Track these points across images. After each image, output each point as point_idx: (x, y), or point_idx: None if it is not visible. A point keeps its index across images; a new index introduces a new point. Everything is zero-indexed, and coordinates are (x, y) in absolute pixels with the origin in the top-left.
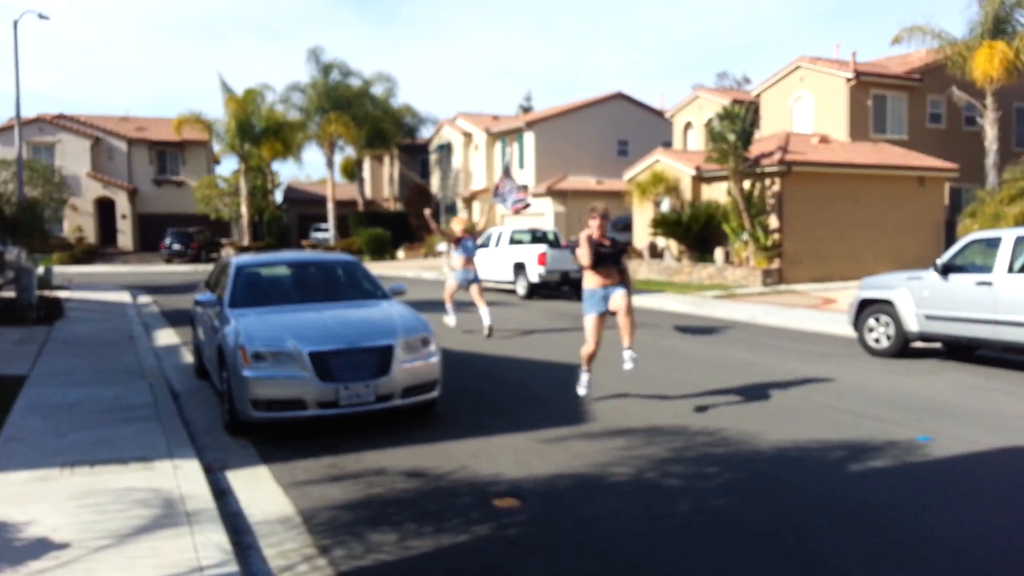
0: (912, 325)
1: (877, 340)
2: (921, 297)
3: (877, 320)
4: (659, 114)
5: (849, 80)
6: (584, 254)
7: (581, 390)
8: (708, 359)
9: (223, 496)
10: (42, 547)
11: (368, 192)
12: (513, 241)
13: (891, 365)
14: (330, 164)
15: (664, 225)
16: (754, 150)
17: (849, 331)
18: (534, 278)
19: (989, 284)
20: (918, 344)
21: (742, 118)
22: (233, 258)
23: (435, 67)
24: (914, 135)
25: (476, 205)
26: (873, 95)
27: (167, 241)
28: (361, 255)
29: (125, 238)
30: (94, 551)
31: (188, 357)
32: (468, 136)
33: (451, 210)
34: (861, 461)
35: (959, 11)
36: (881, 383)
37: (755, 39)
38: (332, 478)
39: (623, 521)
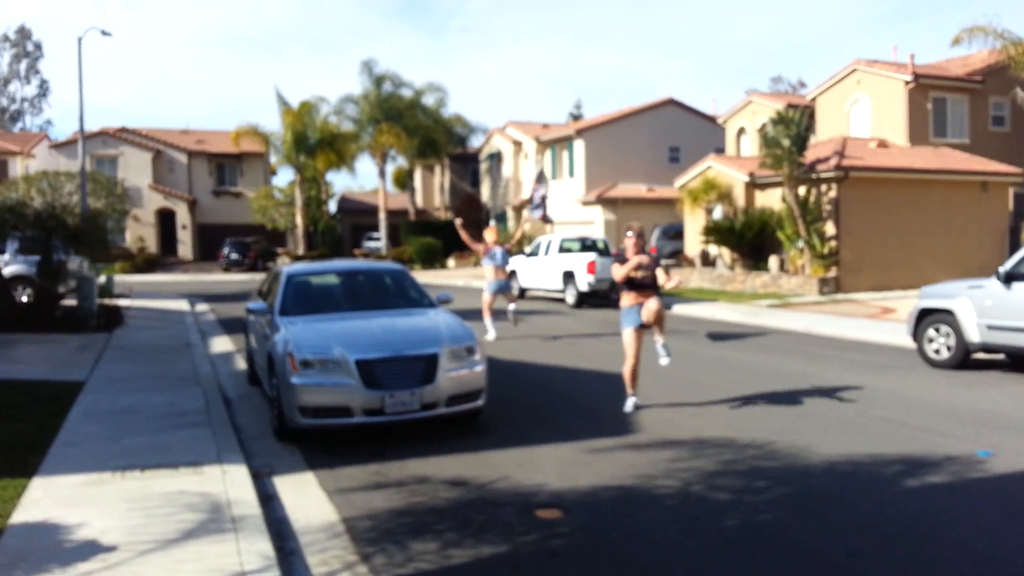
0: (973, 335)
1: (937, 351)
2: (983, 306)
3: (937, 330)
4: (711, 120)
5: (908, 83)
6: (619, 271)
7: (628, 408)
8: (761, 370)
9: (269, 502)
10: (91, 549)
11: (419, 201)
12: (563, 249)
13: (951, 377)
14: (382, 174)
15: (716, 233)
16: (809, 155)
17: (908, 342)
18: (583, 287)
19: None
20: (980, 355)
21: (796, 123)
22: (284, 267)
23: (486, 77)
24: (976, 139)
25: (526, 213)
26: (933, 98)
27: (225, 251)
28: (412, 264)
29: (185, 248)
30: (140, 554)
31: (242, 364)
32: (518, 145)
33: (500, 219)
34: (917, 476)
35: None
36: (940, 396)
37: (811, 43)
38: (376, 485)
39: (667, 535)
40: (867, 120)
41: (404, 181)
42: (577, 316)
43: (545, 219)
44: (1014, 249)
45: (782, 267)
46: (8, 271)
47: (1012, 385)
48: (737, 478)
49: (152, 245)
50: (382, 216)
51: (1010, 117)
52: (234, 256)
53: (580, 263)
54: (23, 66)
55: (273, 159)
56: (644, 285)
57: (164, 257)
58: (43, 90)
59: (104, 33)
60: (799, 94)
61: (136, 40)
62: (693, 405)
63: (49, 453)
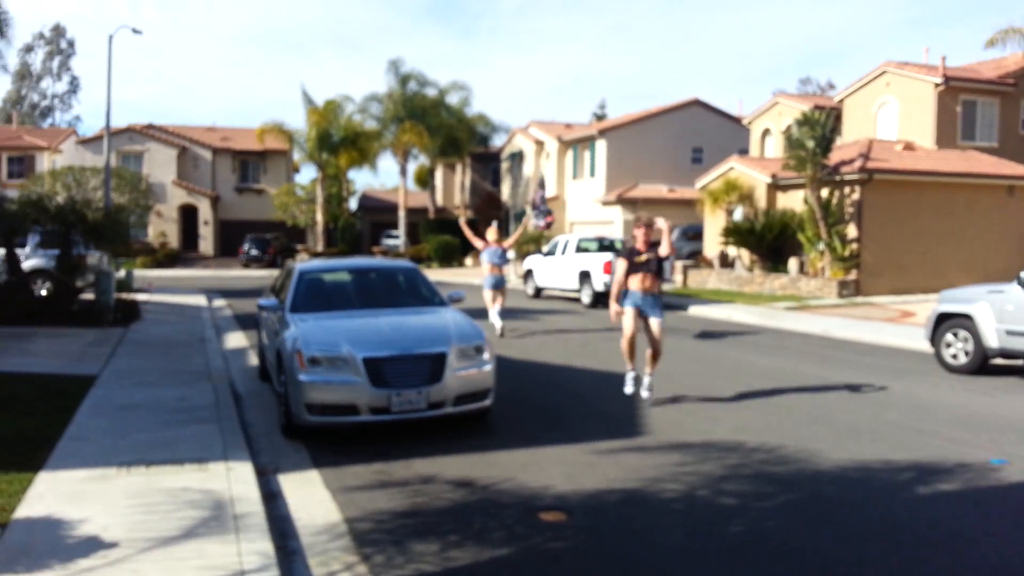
0: (992, 341)
1: (955, 356)
2: (1003, 311)
3: (955, 335)
4: (736, 121)
5: (938, 85)
6: (614, 282)
7: (628, 388)
8: (775, 373)
9: (273, 499)
10: (92, 545)
11: (439, 200)
12: (579, 249)
13: (968, 383)
14: (403, 172)
15: (736, 234)
16: (834, 157)
17: (926, 346)
18: (599, 287)
19: None
20: (998, 361)
21: (821, 124)
22: (297, 264)
23: (511, 76)
24: (1005, 142)
25: (526, 217)
26: (963, 100)
27: (245, 247)
28: (430, 261)
29: (206, 243)
30: (141, 551)
31: (255, 360)
32: (540, 144)
33: (519, 218)
34: (929, 483)
35: None
36: (956, 401)
37: (841, 45)
38: (380, 484)
39: (671, 539)
40: (894, 122)
41: (426, 179)
42: (592, 316)
43: (548, 226)
44: None
45: (801, 269)
46: (28, 265)
47: None
48: (745, 483)
49: (174, 240)
50: (401, 214)
51: None
52: (254, 252)
53: (597, 263)
54: (55, 63)
55: (296, 156)
56: (649, 268)
57: (185, 252)
58: (73, 86)
59: (135, 31)
60: (827, 96)
61: (168, 39)
62: (704, 408)
63: (56, 447)
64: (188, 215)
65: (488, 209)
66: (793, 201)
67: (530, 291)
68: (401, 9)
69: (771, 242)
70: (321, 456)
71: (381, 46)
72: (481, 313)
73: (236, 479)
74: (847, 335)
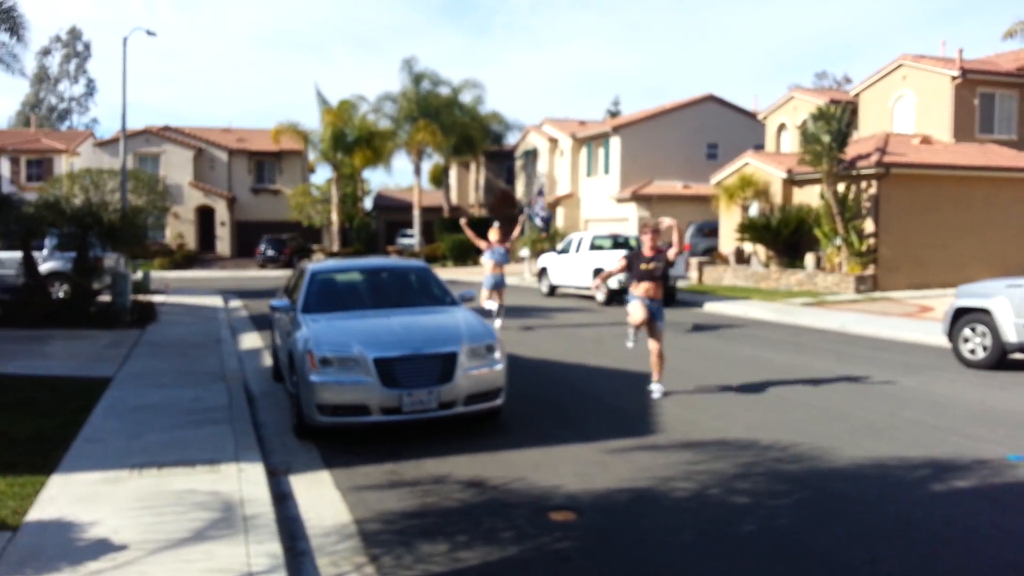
0: (1011, 335)
1: (972, 351)
2: (1022, 306)
3: (973, 330)
4: (752, 116)
5: (955, 78)
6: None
7: (629, 344)
8: (790, 369)
9: (283, 500)
10: (102, 548)
11: (454, 198)
12: (594, 247)
13: (986, 378)
14: (417, 171)
15: (751, 230)
16: (851, 151)
17: (944, 341)
18: (613, 284)
19: None
20: (1017, 356)
21: (837, 118)
22: (309, 265)
23: (525, 74)
24: None
25: (560, 211)
26: (980, 93)
27: (262, 247)
28: (444, 260)
29: (223, 244)
30: (150, 553)
31: (269, 360)
32: (554, 142)
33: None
34: (944, 481)
35: None
36: (973, 397)
37: (858, 39)
38: (391, 484)
39: (682, 539)
40: (911, 116)
41: (440, 178)
42: (606, 314)
43: (546, 229)
44: None
45: (818, 265)
46: (45, 268)
47: None
48: (758, 481)
49: (191, 241)
50: (416, 213)
51: None
52: (270, 253)
53: (611, 261)
54: (72, 66)
55: (311, 157)
56: (654, 276)
57: (202, 253)
58: (90, 89)
59: (149, 33)
60: (843, 90)
61: (184, 40)
62: (718, 405)
63: (70, 449)
64: (205, 216)
65: (502, 207)
66: (809, 196)
67: (544, 289)
68: (415, 8)
69: (787, 238)
70: (333, 456)
71: (395, 45)
72: (488, 313)
73: (247, 480)
74: (864, 331)
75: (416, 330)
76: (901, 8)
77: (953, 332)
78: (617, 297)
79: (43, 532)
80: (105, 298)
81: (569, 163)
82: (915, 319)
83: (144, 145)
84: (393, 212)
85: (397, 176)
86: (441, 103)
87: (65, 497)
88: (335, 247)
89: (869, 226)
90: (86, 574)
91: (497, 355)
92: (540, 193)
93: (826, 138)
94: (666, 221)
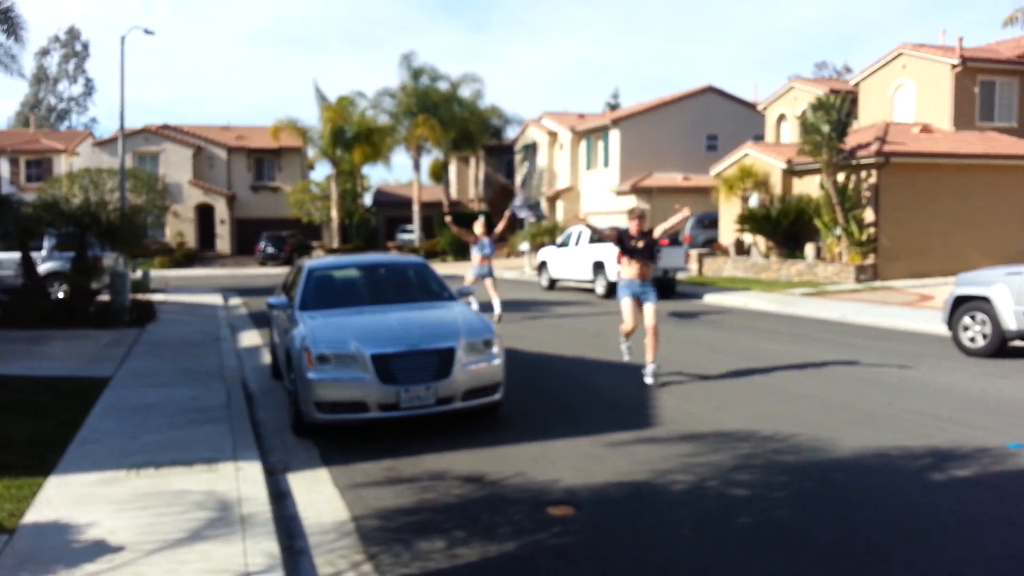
0: (1011, 323)
1: (972, 339)
2: (1022, 293)
3: (973, 318)
4: (751, 107)
5: (955, 66)
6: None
7: (625, 356)
8: (789, 360)
9: (282, 499)
10: (98, 549)
11: (454, 193)
12: (593, 240)
13: (986, 366)
14: (416, 167)
15: (751, 221)
16: (850, 141)
17: (944, 330)
18: (613, 277)
19: None
20: (1017, 343)
21: (837, 108)
22: (306, 262)
23: (524, 68)
24: None
25: (560, 204)
26: (980, 81)
27: (262, 245)
28: (445, 255)
29: (223, 242)
30: (147, 554)
31: (268, 358)
32: (553, 135)
33: (534, 209)
34: (945, 470)
35: None
36: (974, 385)
37: (857, 29)
38: (389, 481)
39: (680, 532)
40: (911, 105)
41: (440, 173)
42: (606, 306)
43: (537, 217)
44: None
45: (818, 255)
46: (44, 268)
47: None
48: (757, 473)
49: (191, 240)
50: (415, 208)
51: None
52: (270, 250)
53: (610, 253)
54: (71, 65)
55: (311, 154)
56: (642, 254)
57: (202, 251)
58: (89, 88)
59: (147, 32)
60: (843, 80)
61: (182, 38)
62: (717, 397)
63: (68, 450)
64: (205, 214)
65: (503, 201)
66: (809, 186)
67: (544, 283)
68: (412, 3)
69: (787, 228)
70: (331, 454)
71: (393, 41)
72: (488, 307)
73: (245, 479)
74: (864, 320)
75: (413, 326)
76: None
77: (953, 320)
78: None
79: (40, 534)
80: (104, 298)
81: (569, 156)
82: (915, 308)
83: (143, 144)
84: (393, 208)
85: (397, 172)
86: (440, 98)
87: (62, 499)
88: (335, 244)
89: (869, 215)
90: None
91: (495, 350)
92: (523, 185)
93: (826, 128)
94: (685, 211)
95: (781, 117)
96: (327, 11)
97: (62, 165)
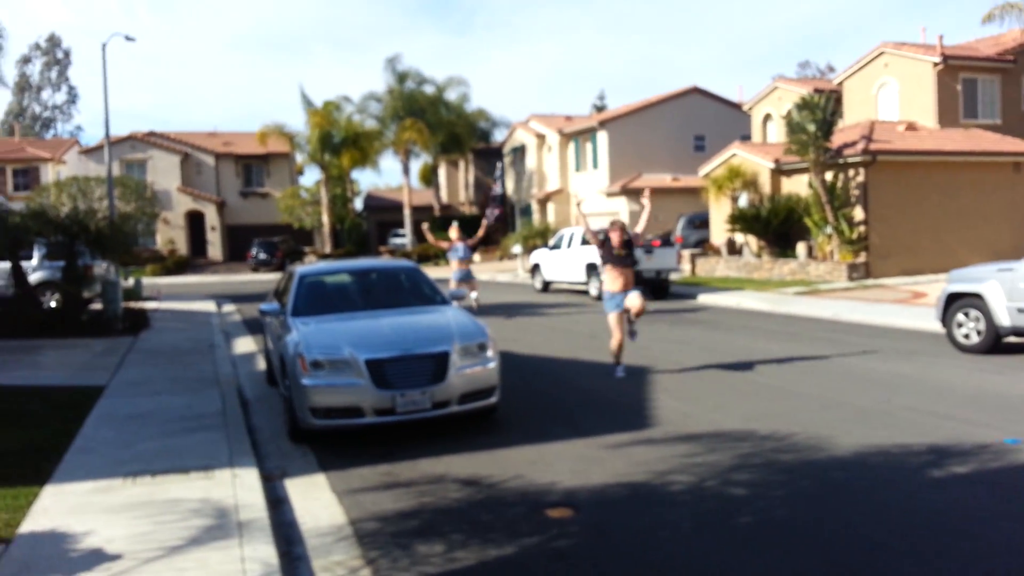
0: (1004, 319)
1: (966, 336)
2: (1014, 289)
3: (966, 315)
4: (737, 107)
5: (936, 64)
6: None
7: (620, 374)
8: (784, 359)
9: (279, 505)
10: (95, 558)
11: (444, 197)
12: (585, 242)
13: (981, 362)
14: (406, 170)
15: (742, 221)
16: (836, 140)
17: (938, 327)
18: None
19: None
20: (1011, 339)
21: (822, 107)
22: (297, 268)
23: (509, 71)
24: (1008, 119)
25: (551, 207)
26: (963, 79)
27: (253, 251)
28: (437, 259)
29: (214, 249)
30: (144, 563)
31: (263, 364)
32: (541, 138)
33: (525, 212)
34: (942, 467)
35: None
36: (969, 382)
37: (839, 27)
38: (386, 486)
39: (679, 533)
40: (895, 103)
41: (429, 177)
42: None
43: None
44: None
45: (810, 254)
46: (35, 277)
47: None
48: (754, 472)
49: (182, 247)
50: (406, 212)
51: None
52: (262, 256)
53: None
54: (54, 73)
55: (299, 159)
56: (624, 262)
57: (194, 258)
58: (72, 96)
59: (128, 39)
60: (827, 79)
61: (165, 45)
62: (713, 397)
63: (63, 460)
64: (195, 221)
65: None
66: (798, 186)
67: (538, 285)
68: (395, 7)
69: (777, 227)
70: (327, 459)
71: (377, 45)
72: (482, 311)
73: (241, 486)
74: (858, 318)
75: (407, 330)
76: None
77: (946, 317)
78: None
79: (36, 544)
80: (96, 306)
81: (557, 158)
82: (908, 305)
83: (130, 151)
84: (384, 212)
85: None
86: (427, 101)
87: (58, 508)
88: (327, 249)
89: (859, 214)
90: None
91: (490, 353)
92: (493, 199)
93: (811, 127)
94: (645, 199)
95: (767, 117)
96: (308, 15)
97: (49, 174)
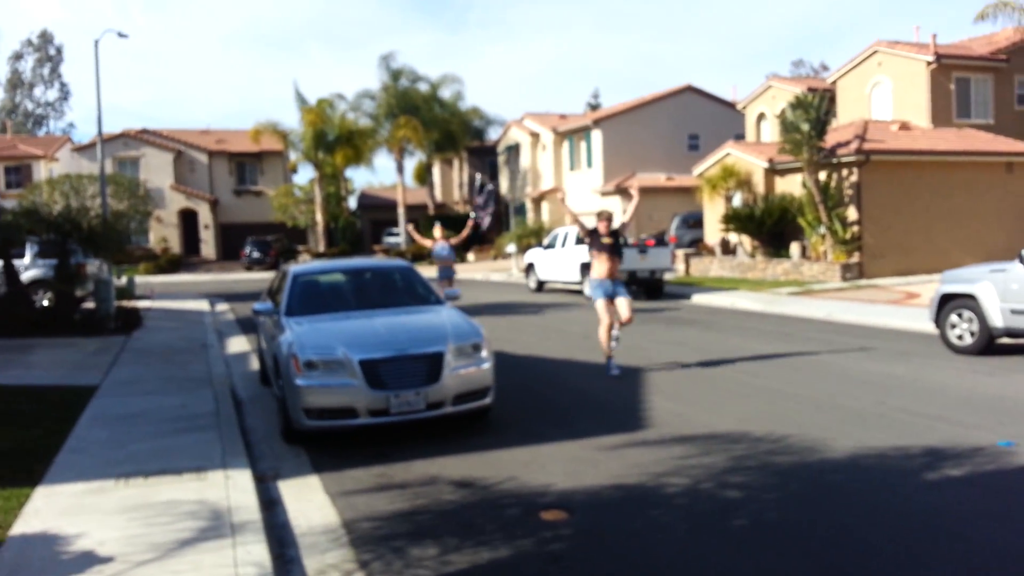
0: (997, 320)
1: (960, 337)
2: (1007, 290)
3: (959, 316)
4: (731, 106)
5: (930, 63)
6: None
7: (615, 372)
8: (778, 360)
9: (272, 507)
10: (87, 560)
11: (438, 195)
12: (579, 241)
13: (974, 364)
14: (400, 169)
15: (736, 220)
16: (830, 139)
17: (931, 327)
18: None
19: None
20: (1004, 340)
21: (815, 106)
22: (291, 267)
23: (503, 69)
24: (1001, 119)
25: (545, 205)
26: (956, 78)
27: (247, 250)
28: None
29: (208, 247)
30: (136, 565)
31: (256, 364)
32: (535, 136)
33: (520, 211)
34: (936, 469)
35: None
36: (962, 383)
37: (833, 26)
38: (380, 487)
39: (673, 535)
40: (888, 102)
41: (424, 176)
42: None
43: (479, 224)
44: None
45: (804, 254)
46: (28, 276)
47: None
48: (749, 474)
49: (175, 245)
50: (400, 211)
51: None
52: (256, 255)
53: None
54: (46, 70)
55: (292, 157)
56: (610, 249)
57: (187, 257)
58: (64, 93)
59: (120, 35)
60: (820, 78)
61: (157, 42)
62: (708, 398)
63: (55, 461)
64: (188, 219)
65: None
66: (791, 185)
67: (532, 285)
68: (389, 4)
69: (771, 227)
70: (321, 460)
71: (370, 42)
72: (476, 311)
73: (235, 487)
74: (851, 319)
75: (401, 330)
76: None
77: (940, 318)
78: None
79: (27, 546)
80: (89, 305)
81: (552, 157)
82: (901, 306)
83: (123, 149)
84: (378, 211)
85: (381, 174)
86: (421, 99)
87: (50, 510)
88: (321, 247)
89: (852, 214)
90: None
91: (484, 353)
92: (480, 192)
93: (805, 127)
94: (634, 191)
95: (761, 116)
96: (301, 12)
97: (42, 171)
